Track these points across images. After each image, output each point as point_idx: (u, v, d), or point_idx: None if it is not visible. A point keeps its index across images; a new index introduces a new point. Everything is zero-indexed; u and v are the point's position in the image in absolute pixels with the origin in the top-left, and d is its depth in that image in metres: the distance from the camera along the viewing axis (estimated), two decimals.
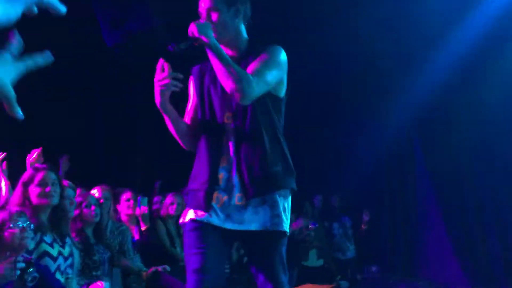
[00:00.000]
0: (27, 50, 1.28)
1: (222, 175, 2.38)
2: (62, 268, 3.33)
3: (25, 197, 3.30)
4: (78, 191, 4.40)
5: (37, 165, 3.65)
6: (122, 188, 5.48)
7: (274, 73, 2.35)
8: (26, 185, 3.32)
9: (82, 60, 6.53)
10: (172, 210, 5.45)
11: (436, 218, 6.87)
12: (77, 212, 3.96)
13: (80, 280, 3.69)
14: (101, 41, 5.88)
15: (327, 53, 6.54)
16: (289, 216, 2.44)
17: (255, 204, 2.34)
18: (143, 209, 5.17)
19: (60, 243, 3.39)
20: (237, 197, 2.36)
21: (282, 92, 2.47)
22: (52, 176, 3.38)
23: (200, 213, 2.35)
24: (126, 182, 6.14)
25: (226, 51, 2.37)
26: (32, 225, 3.07)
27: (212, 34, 2.31)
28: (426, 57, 6.52)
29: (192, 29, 2.30)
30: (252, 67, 2.32)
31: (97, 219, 4.07)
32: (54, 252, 3.31)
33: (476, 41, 6.04)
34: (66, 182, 3.87)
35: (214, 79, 2.42)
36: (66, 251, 3.39)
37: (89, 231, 4.06)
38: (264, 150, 2.38)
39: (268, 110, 2.41)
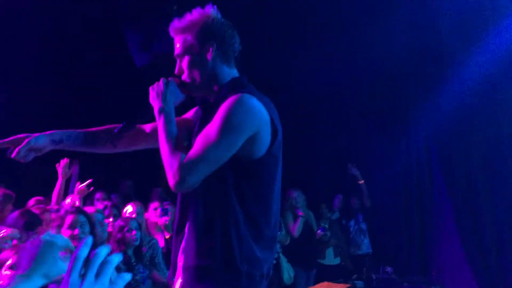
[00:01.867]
0: None
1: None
2: None
3: None
4: (108, 209, 4.85)
5: (67, 207, 4.00)
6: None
7: (223, 145, 1.87)
8: (59, 227, 3.70)
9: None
10: None
11: (451, 225, 7.03)
12: (119, 235, 4.36)
13: None
14: None
15: (351, 59, 6.81)
16: None
17: None
18: (165, 219, 5.25)
19: None
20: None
21: (258, 152, 1.94)
22: (81, 218, 3.72)
23: None
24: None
25: (205, 96, 2.13)
26: None
27: (170, 98, 2.04)
28: (446, 75, 6.72)
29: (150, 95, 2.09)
30: (197, 141, 1.92)
31: (137, 242, 4.42)
32: None
33: (496, 61, 6.21)
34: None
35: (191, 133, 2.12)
36: None
37: (130, 252, 4.42)
38: (195, 234, 1.97)
39: (222, 179, 1.94)
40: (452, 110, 6.85)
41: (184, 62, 2.10)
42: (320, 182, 8.20)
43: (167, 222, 5.21)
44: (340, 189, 7.70)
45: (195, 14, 2.10)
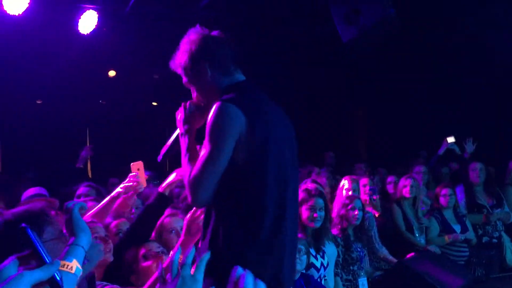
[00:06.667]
0: None
1: None
2: (322, 275, 3.90)
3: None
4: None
5: (310, 188, 4.03)
6: None
7: (215, 156, 2.07)
8: (300, 204, 3.71)
9: None
10: (406, 192, 5.51)
11: None
12: (343, 211, 4.48)
13: (340, 273, 4.20)
14: None
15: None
16: None
17: None
18: (375, 198, 5.38)
19: (321, 255, 3.93)
20: None
21: (244, 153, 2.10)
22: (320, 202, 3.90)
23: None
24: None
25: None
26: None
27: (190, 120, 2.29)
28: None
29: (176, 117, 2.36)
30: (197, 162, 2.14)
31: (358, 222, 4.48)
32: (318, 263, 3.89)
33: None
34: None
35: None
36: (325, 262, 3.94)
37: (350, 230, 4.51)
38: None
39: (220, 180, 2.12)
40: None
41: (193, 90, 2.36)
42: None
43: (374, 202, 5.36)
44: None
45: (181, 49, 2.32)
